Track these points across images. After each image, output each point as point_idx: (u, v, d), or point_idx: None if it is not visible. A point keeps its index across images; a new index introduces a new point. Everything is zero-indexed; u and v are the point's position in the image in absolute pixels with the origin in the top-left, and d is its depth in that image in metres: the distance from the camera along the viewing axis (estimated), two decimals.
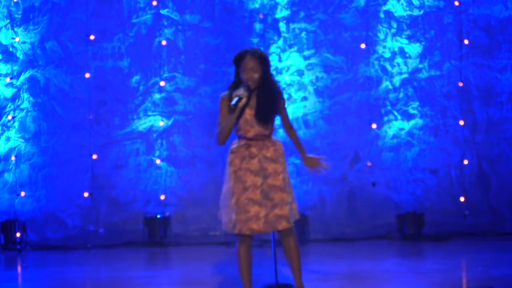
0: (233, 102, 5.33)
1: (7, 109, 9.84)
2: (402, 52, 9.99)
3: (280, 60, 9.83)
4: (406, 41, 9.99)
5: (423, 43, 10.00)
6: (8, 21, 9.87)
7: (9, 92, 9.86)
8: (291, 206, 5.35)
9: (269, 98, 5.39)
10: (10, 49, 9.85)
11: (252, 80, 5.36)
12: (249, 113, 5.39)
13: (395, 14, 9.99)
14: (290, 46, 9.91)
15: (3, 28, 9.86)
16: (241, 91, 5.35)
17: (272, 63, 9.66)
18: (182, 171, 9.88)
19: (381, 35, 9.98)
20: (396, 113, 9.96)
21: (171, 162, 9.87)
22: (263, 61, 5.41)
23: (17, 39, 9.83)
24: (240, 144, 5.42)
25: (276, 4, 9.92)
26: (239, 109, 5.35)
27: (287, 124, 5.64)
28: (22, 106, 9.86)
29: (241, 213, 5.32)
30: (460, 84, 9.99)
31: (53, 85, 9.85)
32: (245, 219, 5.30)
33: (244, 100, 5.35)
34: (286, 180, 5.39)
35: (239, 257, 5.45)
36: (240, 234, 5.39)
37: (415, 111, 9.97)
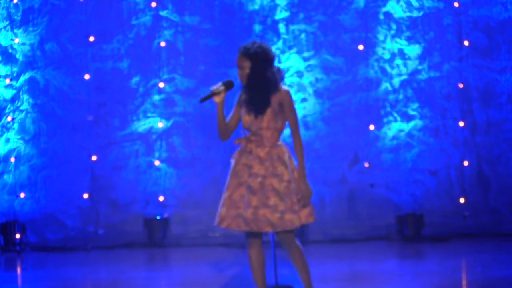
0: (203, 97, 5.35)
1: (7, 111, 9.85)
2: (401, 53, 9.99)
3: (279, 62, 9.82)
4: (405, 42, 10.00)
5: (422, 44, 10.01)
6: (8, 22, 9.87)
7: (8, 94, 9.86)
8: (256, 211, 5.24)
9: (257, 90, 5.26)
10: (10, 51, 9.86)
11: (241, 76, 5.34)
12: (245, 104, 5.39)
13: (395, 16, 10.00)
14: (290, 48, 9.92)
15: (3, 29, 9.87)
16: (216, 86, 5.36)
17: None
18: (181, 173, 9.88)
19: (380, 37, 9.98)
20: (395, 115, 9.96)
21: (170, 164, 9.87)
22: (251, 56, 5.26)
23: (16, 40, 9.84)
24: (243, 138, 5.41)
25: (276, 5, 9.93)
26: (219, 105, 5.34)
27: (291, 127, 5.36)
28: (21, 108, 9.86)
29: (232, 209, 5.29)
30: (460, 85, 9.99)
31: (52, 86, 9.85)
32: (236, 215, 5.27)
33: (222, 95, 5.33)
34: (268, 186, 5.20)
35: (250, 259, 5.42)
36: (247, 235, 5.36)
37: (414, 113, 9.97)
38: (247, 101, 5.32)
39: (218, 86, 5.35)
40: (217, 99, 5.33)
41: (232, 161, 5.39)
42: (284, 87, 5.36)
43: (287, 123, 5.37)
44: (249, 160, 5.30)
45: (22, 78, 9.86)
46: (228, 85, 5.36)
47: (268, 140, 5.32)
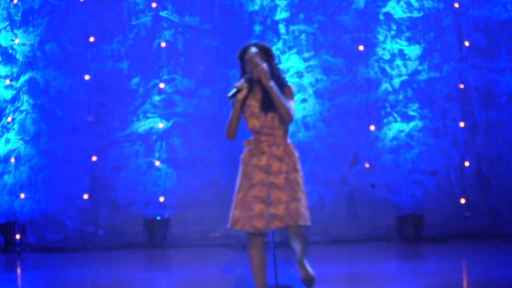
0: (230, 93, 5.29)
1: (7, 111, 9.85)
2: (401, 54, 9.99)
3: (279, 62, 9.83)
4: (405, 43, 10.00)
5: (422, 45, 10.01)
6: (8, 23, 9.88)
7: (8, 94, 9.86)
8: (288, 206, 5.27)
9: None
10: (10, 51, 9.86)
11: (254, 72, 5.34)
12: (255, 106, 5.36)
13: (395, 16, 10.00)
14: (290, 48, 9.92)
15: (3, 30, 9.87)
16: (240, 82, 5.32)
17: None
18: (181, 173, 9.89)
19: (380, 37, 9.99)
20: (395, 115, 9.96)
21: (170, 164, 9.87)
22: (267, 52, 5.39)
23: (16, 41, 9.84)
24: (252, 140, 5.41)
25: (276, 6, 9.93)
26: (239, 101, 5.33)
27: None
28: (21, 108, 9.86)
29: (245, 210, 5.29)
30: (460, 86, 10.00)
31: (52, 87, 9.86)
32: (249, 217, 5.27)
33: (244, 92, 5.32)
34: (293, 181, 5.31)
35: (251, 259, 5.43)
36: (250, 236, 5.37)
37: (414, 113, 9.98)
38: (264, 98, 5.31)
39: (242, 83, 5.32)
40: (239, 95, 5.32)
41: (242, 163, 5.39)
42: (289, 83, 5.47)
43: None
44: (261, 160, 5.32)
45: (22, 79, 9.87)
46: (250, 83, 5.34)
47: (281, 138, 5.39)
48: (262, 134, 5.36)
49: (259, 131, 5.36)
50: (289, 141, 5.44)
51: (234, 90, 5.28)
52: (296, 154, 5.42)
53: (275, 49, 9.83)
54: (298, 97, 9.86)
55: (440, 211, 9.89)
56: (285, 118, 5.30)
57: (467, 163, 9.96)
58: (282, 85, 5.37)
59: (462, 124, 9.98)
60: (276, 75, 5.38)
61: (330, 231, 9.76)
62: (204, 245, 9.57)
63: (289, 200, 5.26)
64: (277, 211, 5.24)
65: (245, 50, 5.40)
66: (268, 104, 5.31)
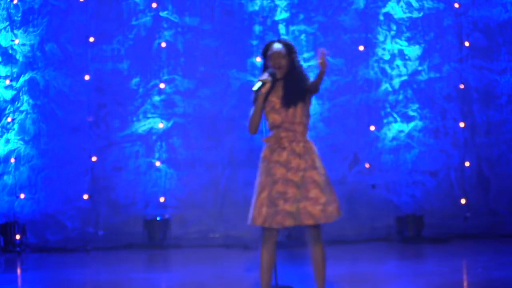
0: (256, 87, 5.30)
1: (7, 111, 9.85)
2: (401, 54, 9.99)
3: None
4: (405, 43, 10.00)
5: (422, 45, 10.01)
6: (8, 23, 9.87)
7: (8, 94, 9.86)
8: (298, 204, 5.26)
9: (297, 83, 5.37)
10: (10, 51, 9.86)
11: (279, 65, 5.36)
12: (276, 102, 5.38)
13: (395, 17, 10.00)
14: None
15: (3, 30, 9.87)
16: (264, 76, 5.33)
17: None
18: (181, 173, 9.88)
19: (380, 37, 9.98)
20: (395, 115, 9.96)
21: (170, 165, 9.87)
22: (290, 48, 5.42)
23: (16, 41, 9.84)
24: (271, 136, 5.41)
25: (276, 6, 9.93)
26: (262, 95, 5.33)
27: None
28: (21, 108, 9.86)
29: (271, 207, 5.28)
30: (460, 86, 9.99)
31: (52, 87, 9.85)
32: (274, 213, 5.27)
33: (268, 85, 5.33)
34: (308, 179, 5.29)
35: (261, 255, 5.41)
36: (265, 231, 5.35)
37: (414, 113, 9.97)
38: (286, 92, 5.33)
39: (266, 76, 5.33)
40: (263, 89, 5.33)
41: (262, 160, 5.39)
42: None
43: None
44: (282, 156, 5.33)
45: (22, 79, 9.86)
46: (274, 77, 5.36)
47: (301, 134, 5.42)
48: (282, 129, 5.37)
49: (280, 126, 5.37)
50: (308, 137, 5.47)
51: (259, 84, 5.30)
52: (316, 150, 5.45)
53: None
54: None
55: (440, 212, 9.89)
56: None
57: (467, 164, 9.95)
58: (307, 79, 5.43)
59: (462, 125, 9.97)
60: (300, 71, 5.43)
61: (330, 231, 9.72)
62: (204, 245, 9.56)
63: (300, 199, 5.27)
64: (290, 208, 5.25)
65: (269, 46, 5.45)
66: (289, 100, 5.35)
